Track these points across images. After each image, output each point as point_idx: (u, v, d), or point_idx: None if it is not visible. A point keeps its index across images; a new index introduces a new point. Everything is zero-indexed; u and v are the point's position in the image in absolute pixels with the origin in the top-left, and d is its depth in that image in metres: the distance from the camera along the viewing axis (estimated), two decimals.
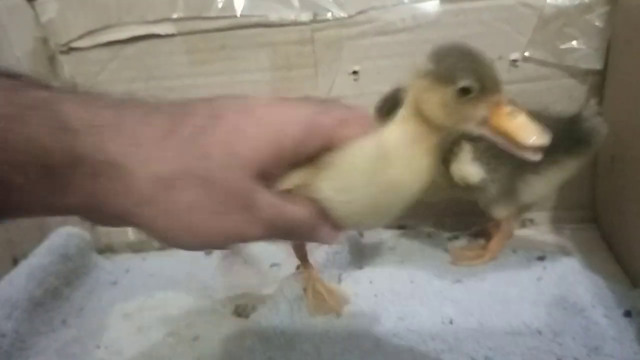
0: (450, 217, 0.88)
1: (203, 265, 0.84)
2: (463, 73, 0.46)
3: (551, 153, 0.69)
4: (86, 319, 0.74)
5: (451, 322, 0.67)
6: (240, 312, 0.72)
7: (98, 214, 0.44)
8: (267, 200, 0.47)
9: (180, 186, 0.43)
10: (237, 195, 0.45)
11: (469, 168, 0.69)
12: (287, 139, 0.46)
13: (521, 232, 0.86)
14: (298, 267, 0.77)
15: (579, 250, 0.78)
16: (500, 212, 0.74)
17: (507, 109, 0.47)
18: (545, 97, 0.75)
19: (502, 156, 0.69)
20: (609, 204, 0.80)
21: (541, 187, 0.72)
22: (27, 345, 0.70)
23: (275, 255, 0.84)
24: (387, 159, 0.49)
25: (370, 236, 0.88)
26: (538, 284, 0.71)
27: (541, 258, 0.76)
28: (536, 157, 0.48)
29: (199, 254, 0.87)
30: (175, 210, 0.44)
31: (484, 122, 0.47)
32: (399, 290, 0.74)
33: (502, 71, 0.79)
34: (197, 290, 0.78)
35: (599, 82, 0.79)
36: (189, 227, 0.45)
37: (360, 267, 0.81)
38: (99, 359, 0.67)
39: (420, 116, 0.48)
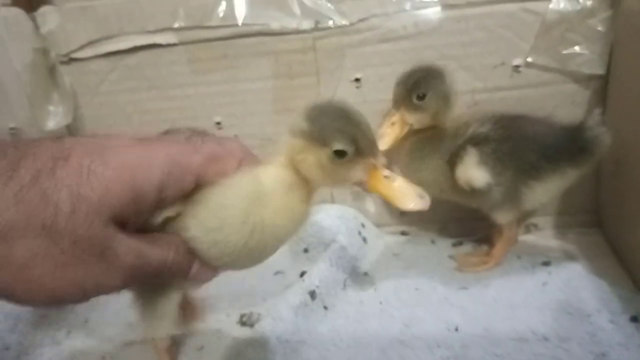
0: (454, 223, 0.88)
1: None
2: (337, 135, 0.46)
3: (554, 161, 0.70)
4: (91, 330, 0.73)
5: (457, 329, 0.67)
6: (245, 321, 0.72)
7: None
8: (125, 246, 0.44)
9: (15, 237, 0.39)
10: (88, 243, 0.41)
11: (474, 172, 0.69)
12: (145, 183, 0.44)
13: (525, 238, 0.85)
14: (302, 275, 0.77)
15: (583, 255, 0.78)
16: (503, 217, 0.74)
17: (383, 172, 0.48)
18: (548, 102, 0.75)
19: (506, 160, 0.69)
20: (613, 208, 0.79)
21: (543, 193, 0.72)
22: (31, 357, 0.69)
23: (279, 263, 0.83)
24: (262, 201, 0.48)
25: (374, 242, 0.88)
26: (543, 290, 0.71)
27: (546, 263, 0.76)
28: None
29: None
30: (9, 265, 0.40)
31: (362, 183, 0.48)
32: (404, 297, 0.73)
33: (504, 77, 0.80)
34: (201, 300, 0.78)
35: (601, 87, 0.79)
36: (30, 282, 0.41)
37: (365, 273, 0.81)
38: None
39: (297, 169, 0.48)
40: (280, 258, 0.83)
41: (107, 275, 0.43)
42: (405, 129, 0.74)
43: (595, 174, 0.82)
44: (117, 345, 0.71)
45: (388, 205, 0.90)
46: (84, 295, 0.44)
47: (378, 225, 0.92)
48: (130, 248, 0.44)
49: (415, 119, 0.73)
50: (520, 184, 0.70)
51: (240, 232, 0.47)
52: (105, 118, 0.91)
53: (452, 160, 0.72)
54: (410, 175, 0.76)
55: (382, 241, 0.89)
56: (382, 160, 0.48)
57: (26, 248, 0.40)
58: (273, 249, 0.51)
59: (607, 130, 0.69)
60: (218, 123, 0.89)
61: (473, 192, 0.70)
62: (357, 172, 0.48)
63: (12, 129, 0.85)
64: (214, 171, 0.47)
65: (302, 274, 0.78)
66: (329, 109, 0.48)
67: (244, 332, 0.69)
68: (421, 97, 0.71)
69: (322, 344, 0.67)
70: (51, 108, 0.89)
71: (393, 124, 0.74)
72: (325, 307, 0.73)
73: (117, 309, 0.77)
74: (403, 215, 0.91)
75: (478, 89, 0.81)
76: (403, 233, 0.91)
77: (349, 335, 0.68)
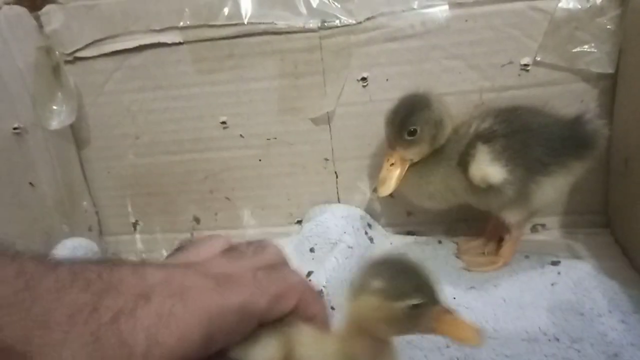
0: (461, 223, 0.88)
1: None
2: (415, 291, 0.46)
3: (559, 156, 0.69)
4: None
5: None
6: None
7: None
8: None
9: None
10: None
11: (490, 169, 0.68)
12: (218, 331, 0.44)
13: (533, 238, 0.85)
14: (308, 275, 0.77)
15: (592, 255, 0.78)
16: (513, 216, 0.73)
17: (449, 316, 0.49)
18: (557, 101, 0.75)
19: (517, 157, 0.69)
20: (622, 208, 0.79)
21: (551, 190, 0.71)
22: None
23: None
24: None
25: (381, 242, 0.87)
26: (553, 290, 0.70)
27: (555, 263, 0.75)
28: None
29: None
30: None
31: (431, 329, 0.49)
32: None
33: (512, 76, 0.79)
34: None
35: (610, 86, 0.78)
36: None
37: None
38: None
39: (362, 331, 0.49)
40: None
41: None
42: (407, 165, 0.74)
43: (603, 173, 0.82)
44: None
45: (394, 205, 0.90)
46: None
47: (385, 225, 0.92)
48: None
49: (413, 154, 0.73)
50: (529, 180, 0.70)
51: None
52: (110, 117, 0.91)
53: (463, 161, 0.71)
54: (422, 192, 0.76)
55: (389, 241, 0.88)
56: (446, 305, 0.49)
57: None
58: None
59: (605, 122, 0.69)
60: (223, 122, 0.88)
61: (487, 191, 0.70)
62: (428, 321, 0.49)
63: (15, 128, 0.84)
64: (277, 312, 0.49)
65: (309, 274, 0.77)
66: (397, 265, 0.50)
67: None
68: (412, 133, 0.71)
69: None
70: (55, 107, 0.88)
71: (392, 164, 0.73)
72: (333, 308, 0.72)
73: None
74: (410, 216, 0.90)
75: (486, 88, 0.80)
76: (410, 233, 0.90)
77: None
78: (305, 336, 0.51)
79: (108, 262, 0.44)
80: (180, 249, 0.61)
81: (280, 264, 0.55)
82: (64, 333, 0.38)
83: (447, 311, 0.49)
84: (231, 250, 0.57)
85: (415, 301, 0.46)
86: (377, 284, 0.47)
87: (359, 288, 0.48)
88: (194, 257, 0.53)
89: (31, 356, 0.37)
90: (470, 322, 0.49)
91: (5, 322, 0.36)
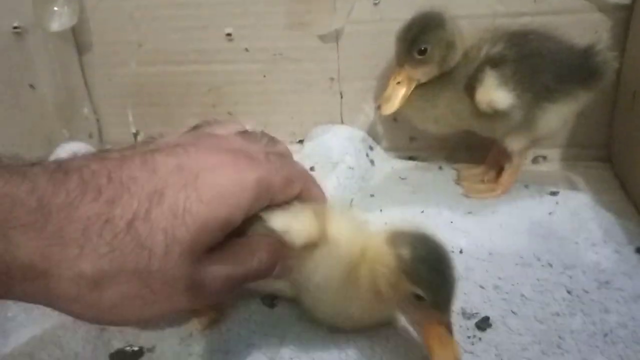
0: (463, 151, 0.88)
1: None
2: (426, 285, 0.46)
3: (566, 83, 0.68)
4: None
5: (461, 252, 0.67)
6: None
7: (20, 301, 0.40)
8: (212, 275, 0.44)
9: (108, 284, 0.39)
10: (177, 281, 0.42)
11: (497, 93, 0.67)
12: (236, 212, 0.44)
13: (534, 168, 0.85)
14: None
15: (591, 187, 0.78)
16: (516, 143, 0.73)
17: (441, 330, 0.48)
18: (571, 30, 0.72)
19: (524, 82, 0.68)
20: (625, 142, 0.78)
21: (556, 117, 0.71)
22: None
23: None
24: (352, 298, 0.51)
25: (382, 165, 0.87)
26: (550, 219, 0.71)
27: (554, 193, 0.75)
28: None
29: None
30: (99, 307, 0.40)
31: (418, 324, 0.50)
32: (410, 219, 0.73)
33: (528, 2, 0.77)
34: None
35: (626, 18, 0.76)
36: (117, 318, 0.42)
37: (372, 195, 0.80)
38: None
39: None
40: None
41: (192, 303, 0.44)
42: (413, 85, 0.72)
43: (608, 107, 0.81)
44: None
45: (397, 129, 0.89)
46: (164, 316, 0.49)
47: (386, 149, 0.91)
48: (216, 276, 0.44)
49: (421, 74, 0.71)
50: (534, 106, 0.69)
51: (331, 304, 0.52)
52: (112, 22, 0.88)
53: (470, 85, 0.70)
54: (427, 115, 0.75)
55: (390, 165, 0.88)
56: (446, 320, 0.48)
57: (117, 293, 0.40)
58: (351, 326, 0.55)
59: (616, 55, 0.68)
60: (229, 34, 0.86)
61: (493, 116, 0.69)
62: (419, 317, 0.49)
63: (15, 27, 0.82)
64: (284, 195, 0.50)
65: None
66: (435, 255, 0.48)
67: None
68: (423, 52, 0.69)
69: None
70: (56, 9, 0.85)
71: (399, 83, 0.72)
72: None
73: None
74: (412, 141, 0.90)
75: (500, 13, 0.78)
76: (411, 158, 0.90)
77: None
78: (337, 217, 0.53)
79: (117, 155, 0.43)
80: (196, 127, 0.60)
81: (288, 156, 0.56)
82: (79, 247, 0.38)
83: (443, 324, 0.48)
84: (246, 133, 0.57)
85: (419, 293, 0.47)
86: (405, 254, 0.47)
87: (393, 252, 0.48)
88: (209, 134, 0.53)
89: (52, 272, 0.38)
90: (457, 350, 0.48)
91: (22, 242, 0.37)
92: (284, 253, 0.50)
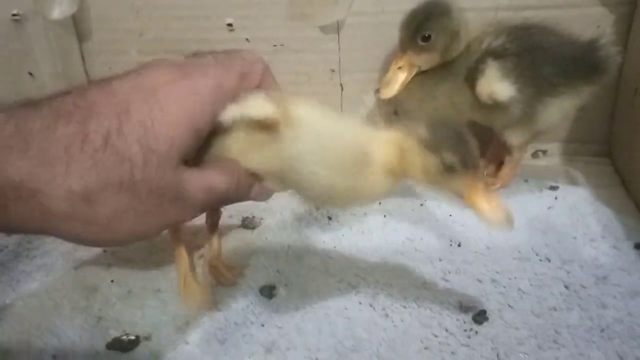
0: None
1: None
2: (453, 153, 0.50)
3: (568, 77, 0.68)
4: None
5: (459, 245, 0.67)
6: (247, 224, 0.72)
7: (16, 231, 0.44)
8: (195, 184, 0.47)
9: (98, 198, 0.42)
10: (163, 190, 0.45)
11: (498, 85, 0.67)
12: (202, 119, 0.47)
13: (534, 163, 0.85)
14: None
15: (591, 182, 0.78)
16: (516, 137, 0.73)
17: (481, 187, 0.52)
18: (574, 25, 0.72)
19: (526, 76, 0.67)
20: (625, 137, 0.78)
21: (557, 111, 0.70)
22: (33, 246, 0.70)
23: None
24: (362, 171, 0.52)
25: None
26: (549, 213, 0.71)
27: (553, 188, 0.75)
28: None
29: None
30: (96, 223, 0.43)
31: (459, 194, 0.52)
32: (409, 212, 0.73)
33: None
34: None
35: (629, 13, 0.76)
36: (116, 233, 0.45)
37: None
38: (106, 264, 0.67)
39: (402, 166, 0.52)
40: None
41: (182, 212, 0.47)
42: (414, 72, 0.71)
43: (609, 102, 0.81)
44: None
45: (397, 122, 0.89)
46: (159, 231, 0.48)
47: None
48: (199, 185, 0.47)
49: (423, 61, 0.71)
50: (536, 100, 0.69)
51: (331, 183, 0.52)
52: (113, 10, 0.87)
53: (471, 76, 0.70)
54: (426, 107, 0.74)
55: None
56: (482, 177, 0.54)
57: (109, 207, 0.43)
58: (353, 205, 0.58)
59: (619, 49, 0.68)
60: (230, 25, 0.86)
61: (493, 108, 0.69)
62: (457, 185, 0.52)
63: (14, 15, 0.81)
64: (243, 88, 0.50)
65: None
66: (448, 126, 0.52)
67: (246, 235, 0.70)
68: (427, 38, 0.69)
69: (325, 251, 0.68)
70: None
71: (400, 68, 0.71)
72: (330, 217, 0.73)
73: None
74: None
75: (503, 6, 0.78)
76: None
77: (352, 246, 0.68)
78: (303, 103, 0.52)
79: (75, 90, 0.45)
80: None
81: (237, 52, 0.54)
82: (65, 165, 0.40)
83: (478, 182, 0.52)
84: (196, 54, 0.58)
85: (448, 161, 0.50)
86: (424, 132, 0.51)
87: (411, 132, 0.51)
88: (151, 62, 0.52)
89: (42, 191, 0.40)
90: (502, 206, 0.51)
91: (9, 161, 0.39)
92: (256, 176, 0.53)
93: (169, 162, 0.44)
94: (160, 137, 0.44)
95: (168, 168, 0.45)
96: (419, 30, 0.68)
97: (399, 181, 0.54)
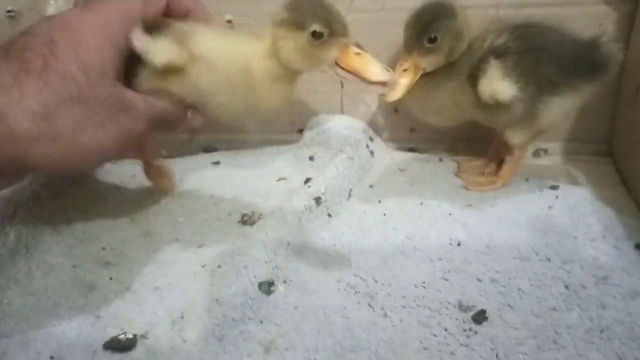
0: (463, 143, 0.87)
1: (209, 173, 0.84)
2: (314, 19, 0.55)
3: (570, 76, 0.68)
4: (91, 221, 0.73)
5: (459, 244, 0.66)
6: (247, 220, 0.72)
7: None
8: (135, 96, 0.55)
9: (57, 114, 0.48)
10: (112, 100, 0.52)
11: (500, 84, 0.67)
12: (116, 42, 0.54)
13: (534, 162, 0.85)
14: (306, 181, 0.77)
15: (591, 182, 0.78)
16: (517, 136, 0.72)
17: (354, 49, 0.58)
18: (575, 23, 0.72)
19: (528, 75, 0.67)
20: (627, 137, 0.78)
21: (558, 110, 0.70)
22: (30, 244, 0.69)
23: (282, 169, 0.83)
24: (253, 89, 0.59)
25: (381, 156, 0.86)
26: (549, 213, 0.70)
27: (554, 187, 0.75)
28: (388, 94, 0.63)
29: (206, 163, 0.86)
30: (61, 139, 0.49)
31: (335, 62, 0.58)
32: (408, 210, 0.73)
33: None
34: (203, 198, 0.77)
35: (631, 11, 0.75)
36: (82, 148, 0.51)
37: (370, 185, 0.80)
38: (104, 261, 0.66)
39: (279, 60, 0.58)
40: (284, 164, 0.83)
41: (134, 122, 0.54)
42: (419, 73, 0.71)
43: (611, 101, 0.81)
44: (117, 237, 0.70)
45: (397, 120, 0.89)
46: (123, 146, 0.55)
47: (387, 140, 0.91)
48: (139, 98, 0.55)
49: (428, 62, 0.70)
50: (537, 99, 0.68)
51: (235, 107, 0.59)
52: None
53: (473, 75, 0.69)
54: (429, 107, 0.74)
55: (390, 156, 0.88)
56: (352, 39, 0.58)
57: (68, 120, 0.49)
58: (268, 116, 0.63)
59: (621, 47, 0.68)
60: (229, 21, 0.85)
61: (495, 107, 0.68)
62: (332, 52, 0.58)
63: (9, 11, 0.81)
64: (152, 10, 0.58)
65: (307, 181, 0.77)
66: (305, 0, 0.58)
67: (246, 231, 0.69)
68: (433, 40, 0.68)
69: (324, 248, 0.67)
70: None
71: (405, 70, 0.71)
72: (329, 215, 0.73)
73: (118, 201, 0.77)
74: (412, 132, 0.89)
75: (504, 4, 0.77)
76: (411, 149, 0.90)
77: (351, 244, 0.68)
78: (197, 30, 0.59)
79: (4, 42, 0.52)
80: None
81: None
82: (18, 90, 0.47)
83: (350, 45, 0.58)
84: None
85: (315, 28, 0.56)
86: (285, 14, 0.57)
87: (275, 19, 0.58)
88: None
89: (6, 113, 0.46)
90: (376, 60, 0.58)
91: None
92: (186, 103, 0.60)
93: (106, 76, 0.52)
94: (91, 55, 0.51)
95: (107, 81, 0.52)
96: (425, 31, 0.68)
97: (290, 82, 0.61)
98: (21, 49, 0.49)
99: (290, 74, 0.60)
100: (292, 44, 0.57)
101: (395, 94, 0.70)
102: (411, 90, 0.72)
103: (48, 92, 0.48)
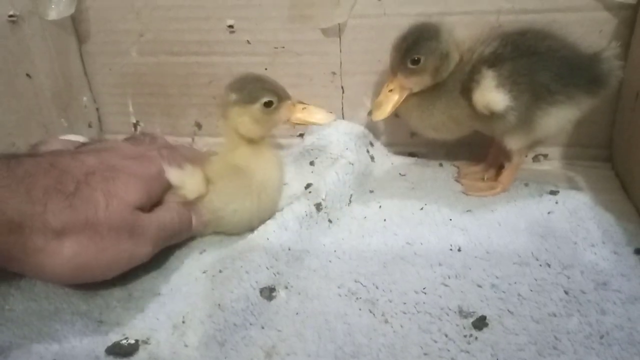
0: (463, 148, 0.87)
1: None
2: (263, 92, 0.66)
3: (567, 85, 0.68)
4: None
5: (459, 250, 0.67)
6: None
7: None
8: (148, 220, 0.60)
9: (67, 234, 0.52)
10: (122, 228, 0.56)
11: (494, 95, 0.67)
12: (150, 192, 0.61)
13: (534, 167, 0.85)
14: (307, 187, 0.77)
15: (591, 187, 0.78)
16: (515, 143, 0.73)
17: (300, 106, 0.70)
18: (576, 29, 0.72)
19: (522, 83, 0.67)
20: (626, 142, 0.78)
21: (556, 120, 0.70)
22: None
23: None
24: (247, 176, 0.68)
25: (382, 161, 0.87)
26: (549, 218, 0.70)
27: (553, 193, 0.75)
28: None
29: None
30: (61, 255, 0.52)
31: (287, 120, 0.69)
32: (409, 216, 0.73)
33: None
34: None
35: (631, 17, 0.76)
36: (77, 268, 0.54)
37: (371, 191, 0.80)
38: None
39: (241, 137, 0.67)
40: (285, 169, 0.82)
41: (137, 246, 0.59)
42: (405, 94, 0.73)
43: (611, 107, 0.81)
44: None
45: (398, 125, 0.89)
46: (119, 269, 0.59)
47: (387, 144, 0.91)
48: (151, 220, 0.60)
49: (413, 83, 0.72)
50: (534, 107, 0.69)
51: (249, 201, 0.69)
52: (113, 11, 0.88)
53: (466, 87, 0.70)
54: (426, 124, 0.75)
55: (390, 161, 0.88)
56: (295, 99, 0.69)
57: (75, 241, 0.53)
58: (277, 199, 0.73)
59: (623, 64, 0.68)
60: (230, 26, 0.86)
61: (490, 117, 0.69)
62: (283, 113, 0.68)
63: (11, 16, 0.81)
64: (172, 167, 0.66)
65: (308, 186, 0.77)
66: (246, 78, 0.67)
67: (247, 237, 0.69)
68: (416, 62, 0.69)
69: (325, 254, 0.67)
70: None
71: (391, 90, 0.72)
72: (330, 221, 0.73)
73: None
74: (412, 137, 0.90)
75: (505, 10, 0.78)
76: (411, 154, 0.90)
77: (352, 249, 0.68)
78: (208, 163, 0.70)
79: (49, 155, 0.58)
80: (86, 144, 0.72)
81: (173, 147, 0.74)
82: (43, 205, 0.51)
83: (298, 102, 0.69)
84: (130, 139, 0.77)
85: (266, 99, 0.65)
86: (234, 96, 0.66)
87: (227, 104, 0.66)
88: (104, 145, 0.68)
89: (25, 225, 0.50)
90: (318, 108, 0.70)
91: (3, 199, 0.49)
92: (192, 209, 0.67)
93: (127, 207, 0.57)
94: (120, 189, 0.57)
95: (126, 211, 0.57)
96: (407, 54, 0.70)
97: (263, 144, 0.69)
98: (62, 171, 0.54)
99: (257, 141, 0.69)
100: (248, 118, 0.66)
101: (381, 114, 0.73)
102: (408, 109, 0.73)
103: (69, 213, 0.52)
